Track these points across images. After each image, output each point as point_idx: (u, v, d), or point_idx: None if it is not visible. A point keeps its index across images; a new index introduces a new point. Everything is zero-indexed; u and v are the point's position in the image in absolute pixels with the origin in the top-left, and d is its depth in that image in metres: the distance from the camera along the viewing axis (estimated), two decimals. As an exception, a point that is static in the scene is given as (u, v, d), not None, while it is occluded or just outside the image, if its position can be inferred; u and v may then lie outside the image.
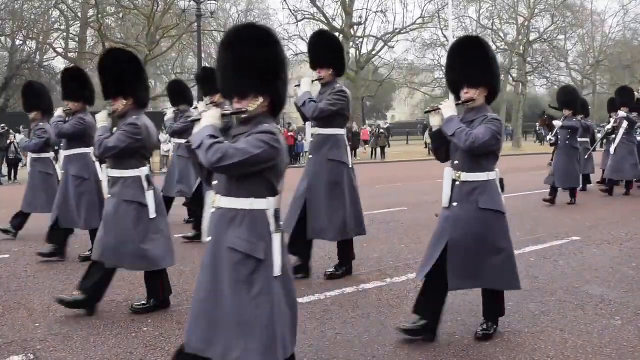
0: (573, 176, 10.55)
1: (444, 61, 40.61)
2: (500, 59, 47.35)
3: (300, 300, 4.88)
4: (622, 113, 11.78)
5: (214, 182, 2.95)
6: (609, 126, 12.45)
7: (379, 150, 29.88)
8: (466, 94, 3.92)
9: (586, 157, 11.94)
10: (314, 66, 5.54)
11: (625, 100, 12.22)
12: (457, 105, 3.95)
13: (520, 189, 12.21)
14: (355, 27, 35.63)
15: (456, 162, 3.94)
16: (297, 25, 35.49)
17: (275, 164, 2.82)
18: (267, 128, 2.81)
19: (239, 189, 2.84)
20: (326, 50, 5.52)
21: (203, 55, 33.13)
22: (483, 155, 3.81)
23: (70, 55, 36.75)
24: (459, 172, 3.89)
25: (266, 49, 2.88)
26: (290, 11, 34.25)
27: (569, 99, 10.84)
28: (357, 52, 38.07)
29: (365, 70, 40.41)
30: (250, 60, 2.84)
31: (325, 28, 35.04)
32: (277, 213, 2.90)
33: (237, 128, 2.97)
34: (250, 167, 2.75)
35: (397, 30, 37.41)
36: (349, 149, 5.62)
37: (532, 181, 13.28)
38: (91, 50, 36.39)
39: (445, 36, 40.46)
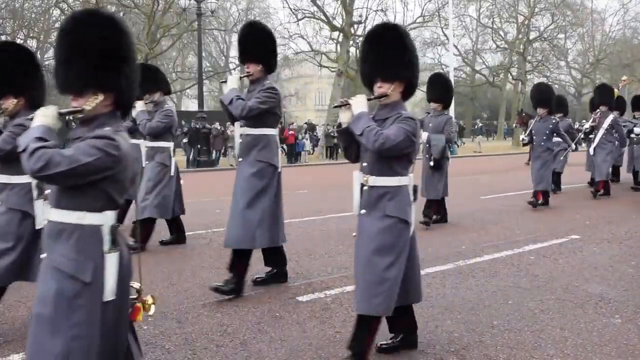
0: (545, 179, 9.96)
1: (444, 60, 40.26)
2: (500, 57, 47.51)
3: (300, 298, 4.94)
4: (612, 116, 11.33)
5: (46, 192, 2.62)
6: (587, 125, 11.91)
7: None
8: (379, 88, 3.52)
9: (562, 158, 11.46)
10: (243, 60, 5.19)
11: (604, 99, 11.66)
12: (369, 100, 3.53)
13: (519, 188, 12.20)
14: (356, 26, 35.55)
15: (364, 164, 3.55)
16: (297, 24, 35.40)
17: (112, 174, 2.45)
18: (104, 132, 2.43)
19: (70, 200, 2.47)
20: (256, 44, 5.11)
21: (204, 54, 33.17)
22: (395, 157, 3.43)
23: (70, 54, 36.70)
24: (367, 176, 3.50)
25: (109, 39, 2.50)
26: (291, 10, 34.18)
27: (543, 97, 10.26)
28: (358, 50, 38.01)
29: (366, 68, 40.28)
30: (89, 50, 2.45)
31: (326, 27, 35.10)
32: (114, 229, 2.52)
33: (76, 130, 2.58)
34: (79, 177, 2.39)
35: (398, 29, 37.27)
36: (279, 150, 5.27)
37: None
38: (91, 49, 36.33)
39: (445, 35, 40.52)
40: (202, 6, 24.98)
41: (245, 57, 5.15)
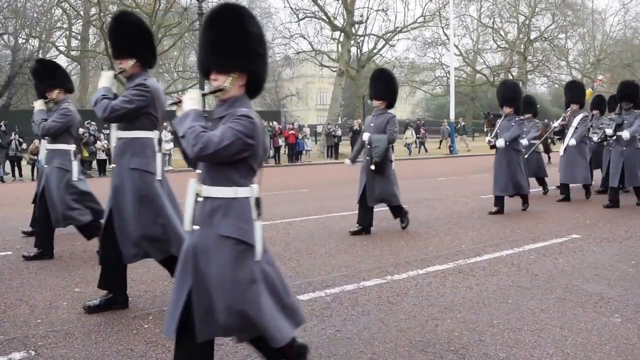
0: (515, 182, 9.25)
1: (445, 59, 40.16)
2: (500, 57, 47.53)
3: (300, 297, 4.94)
4: (582, 114, 10.59)
5: None
6: (556, 124, 11.12)
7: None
8: (214, 80, 2.96)
9: (525, 156, 10.34)
10: (114, 55, 4.65)
11: (575, 97, 10.83)
12: (203, 96, 3.01)
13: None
14: (357, 26, 35.62)
15: (199, 171, 2.98)
16: (298, 23, 35.51)
17: None
18: None
19: None
20: (126, 37, 4.54)
21: (204, 54, 33.12)
22: (229, 164, 2.83)
23: (72, 53, 36.91)
24: (201, 186, 2.92)
25: None
26: (292, 10, 34.23)
27: (509, 95, 9.49)
28: (359, 50, 38.10)
29: (367, 68, 40.41)
30: None
31: (327, 26, 35.13)
32: None
33: None
34: None
35: (398, 29, 37.44)
36: (159, 156, 4.63)
37: (531, 179, 13.27)
38: (93, 49, 36.47)
39: (446, 35, 40.56)
40: (204, 5, 25.01)
41: (115, 51, 4.62)
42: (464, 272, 5.75)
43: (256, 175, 2.96)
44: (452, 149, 31.84)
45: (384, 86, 7.80)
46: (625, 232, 7.70)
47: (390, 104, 7.80)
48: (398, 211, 7.96)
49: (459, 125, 35.12)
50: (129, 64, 4.52)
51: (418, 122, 38.63)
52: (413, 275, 5.66)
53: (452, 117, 33.02)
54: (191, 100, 2.89)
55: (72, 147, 6.49)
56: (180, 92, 45.90)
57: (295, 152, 27.01)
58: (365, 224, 7.75)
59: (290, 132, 26.74)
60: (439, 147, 34.40)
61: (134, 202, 4.45)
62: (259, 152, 2.89)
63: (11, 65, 36.66)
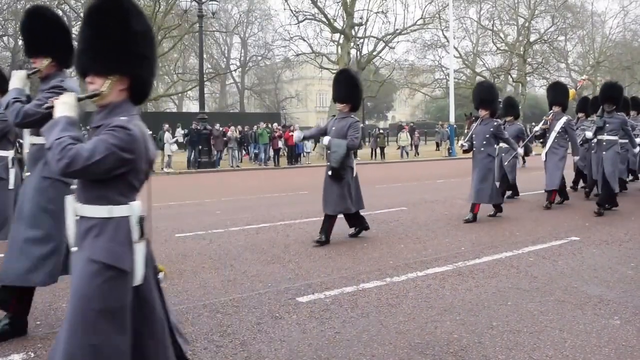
0: (485, 190, 8.72)
1: (444, 62, 40.34)
2: (500, 59, 47.59)
3: (299, 299, 4.95)
4: (565, 118, 10.03)
5: None
6: (538, 128, 10.52)
7: (378, 150, 30.15)
8: (90, 84, 2.60)
9: (505, 163, 10.35)
10: (28, 53, 4.25)
11: (558, 98, 10.20)
12: (79, 100, 2.63)
13: (519, 189, 12.20)
14: (356, 28, 35.67)
15: (75, 186, 2.67)
16: (298, 26, 35.54)
17: None
18: None
19: None
20: (40, 34, 4.14)
21: (205, 56, 33.20)
22: (103, 181, 2.49)
23: (71, 55, 36.78)
24: (77, 204, 2.58)
25: None
26: (292, 12, 34.26)
27: (484, 97, 9.01)
28: (358, 52, 38.15)
29: (366, 70, 40.52)
30: None
31: (327, 29, 35.18)
32: None
33: None
34: None
35: (398, 31, 37.47)
36: None
37: (531, 182, 13.29)
38: (92, 50, 36.44)
39: (446, 37, 40.61)
40: (204, 8, 25.05)
41: (29, 49, 4.22)
42: (463, 274, 5.76)
43: (138, 192, 2.62)
44: (451, 151, 31.91)
45: (346, 88, 7.39)
46: (624, 235, 7.70)
47: (354, 106, 7.43)
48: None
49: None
50: (43, 63, 4.13)
51: (412, 125, 38.69)
52: (412, 277, 5.66)
53: (452, 119, 33.08)
54: (64, 105, 2.55)
55: (9, 154, 6.13)
56: (180, 94, 46.02)
57: (295, 154, 27.03)
58: (360, 226, 7.67)
59: (290, 134, 26.76)
60: (438, 149, 34.47)
61: (36, 216, 3.98)
62: (140, 166, 2.55)
63: (11, 67, 36.71)
